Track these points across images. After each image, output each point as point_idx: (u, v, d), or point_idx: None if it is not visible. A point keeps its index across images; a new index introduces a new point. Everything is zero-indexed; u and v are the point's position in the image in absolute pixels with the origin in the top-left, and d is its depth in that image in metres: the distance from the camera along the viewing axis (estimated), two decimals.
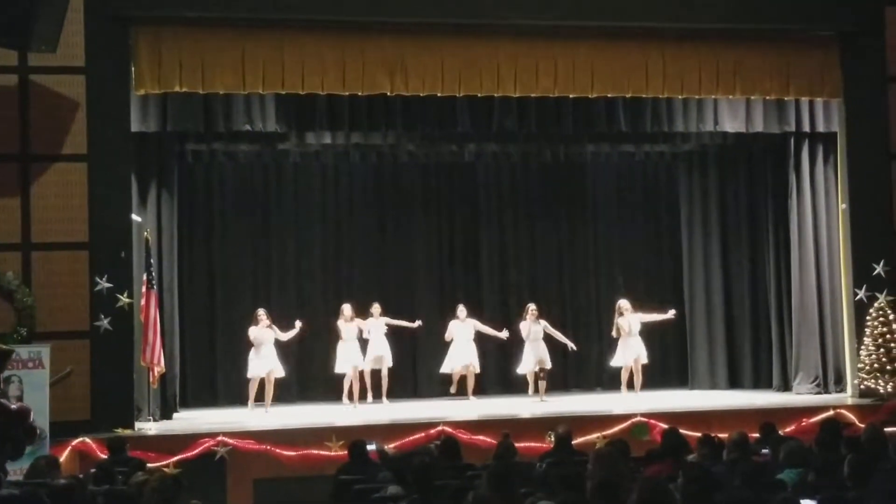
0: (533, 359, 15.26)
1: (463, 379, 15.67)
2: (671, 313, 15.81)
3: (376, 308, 15.44)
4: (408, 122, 14.91)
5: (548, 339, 15.43)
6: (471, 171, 17.61)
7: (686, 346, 17.33)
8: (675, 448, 8.46)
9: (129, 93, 13.23)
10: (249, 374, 14.75)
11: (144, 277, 13.44)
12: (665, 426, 11.30)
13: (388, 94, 13.91)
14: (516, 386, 16.00)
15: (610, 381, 16.27)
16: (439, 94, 14.04)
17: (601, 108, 15.02)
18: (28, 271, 12.80)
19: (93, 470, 9.11)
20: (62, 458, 10.70)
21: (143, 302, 13.36)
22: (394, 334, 15.72)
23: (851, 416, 13.11)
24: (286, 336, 14.87)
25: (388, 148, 16.22)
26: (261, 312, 14.79)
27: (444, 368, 15.72)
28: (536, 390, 15.37)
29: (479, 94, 14.21)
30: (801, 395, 15.25)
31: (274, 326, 14.75)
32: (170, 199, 14.61)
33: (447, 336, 15.58)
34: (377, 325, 15.37)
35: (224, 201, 16.97)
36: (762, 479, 7.19)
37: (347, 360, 15.00)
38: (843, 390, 15.13)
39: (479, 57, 13.92)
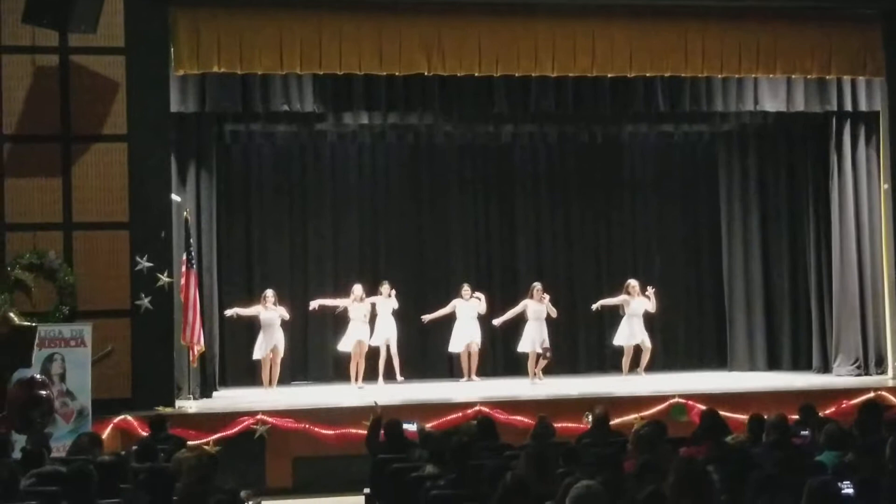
0: (538, 338, 15.15)
1: (467, 358, 15.63)
2: (650, 291, 15.51)
3: (385, 287, 15.40)
4: (445, 103, 14.89)
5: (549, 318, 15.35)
6: (507, 151, 17.56)
7: (725, 328, 17.23)
8: (713, 429, 8.44)
9: (168, 73, 13.31)
10: (257, 357, 14.76)
11: (184, 257, 13.54)
12: (703, 408, 11.30)
13: (426, 74, 13.91)
14: (551, 367, 15.95)
15: (632, 360, 16.16)
16: (476, 75, 14.02)
17: (639, 87, 14.93)
18: (69, 251, 12.91)
19: (134, 447, 9.20)
20: (104, 436, 10.81)
21: (182, 281, 13.47)
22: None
23: (892, 399, 13.02)
24: (287, 316, 14.88)
25: (424, 128, 16.22)
26: (269, 293, 14.83)
27: (452, 348, 15.70)
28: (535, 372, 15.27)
29: (516, 75, 14.18)
30: (841, 377, 15.14)
31: (280, 307, 14.80)
32: (208, 179, 14.69)
33: (449, 308, 15.53)
34: (386, 304, 15.35)
35: (262, 181, 17.03)
36: (801, 461, 7.16)
37: (353, 339, 15.02)
38: (883, 372, 15.02)
39: (516, 37, 13.87)
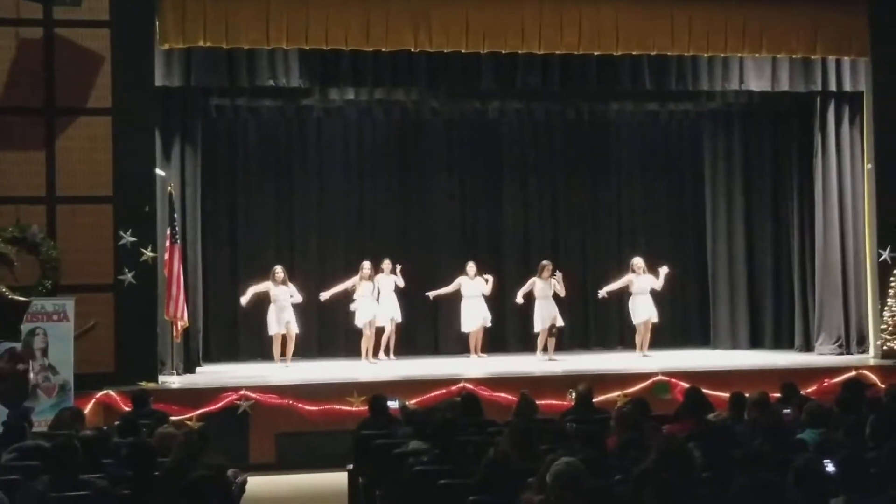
0: (547, 316, 15.23)
1: (476, 337, 15.68)
2: (664, 270, 15.63)
3: (387, 264, 15.46)
4: (431, 79, 14.83)
5: (555, 296, 15.39)
6: (494, 128, 17.54)
7: (708, 306, 17.31)
8: (696, 407, 8.48)
9: (154, 47, 13.23)
10: (271, 332, 14.85)
11: (168, 232, 13.51)
12: (686, 385, 11.35)
13: (412, 50, 13.87)
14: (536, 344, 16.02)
15: (631, 339, 16.26)
16: (463, 51, 14.00)
17: (626, 65, 14.90)
18: (53, 225, 12.86)
19: (117, 422, 9.22)
20: (86, 411, 10.84)
21: (166, 256, 13.45)
22: (414, 292, 15.74)
23: (874, 377, 13.09)
24: (299, 299, 14.95)
25: (411, 104, 16.18)
26: (278, 269, 14.86)
27: (465, 328, 15.73)
28: (545, 349, 15.34)
29: (503, 51, 14.15)
30: (823, 356, 15.22)
31: (290, 283, 14.82)
32: (193, 153, 14.64)
33: (454, 286, 15.58)
34: (387, 281, 15.39)
35: (247, 156, 16.98)
36: (783, 439, 7.21)
37: (365, 316, 15.11)
38: (865, 351, 15.11)
39: (503, 13, 13.85)
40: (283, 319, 14.74)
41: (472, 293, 15.55)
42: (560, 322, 15.28)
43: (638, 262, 15.59)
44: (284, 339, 14.84)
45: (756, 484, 5.00)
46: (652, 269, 15.56)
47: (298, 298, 14.94)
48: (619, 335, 17.26)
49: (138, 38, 13.08)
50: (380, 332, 15.32)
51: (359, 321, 15.14)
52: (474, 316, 15.55)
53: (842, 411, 8.24)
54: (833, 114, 15.59)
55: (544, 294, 15.27)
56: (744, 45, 14.34)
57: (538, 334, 15.41)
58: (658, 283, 15.48)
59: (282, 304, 14.74)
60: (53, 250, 12.67)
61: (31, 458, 7.25)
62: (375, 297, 15.21)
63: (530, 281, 15.40)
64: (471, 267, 15.66)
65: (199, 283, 14.82)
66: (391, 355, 15.42)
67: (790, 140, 16.51)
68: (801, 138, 16.23)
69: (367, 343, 15.13)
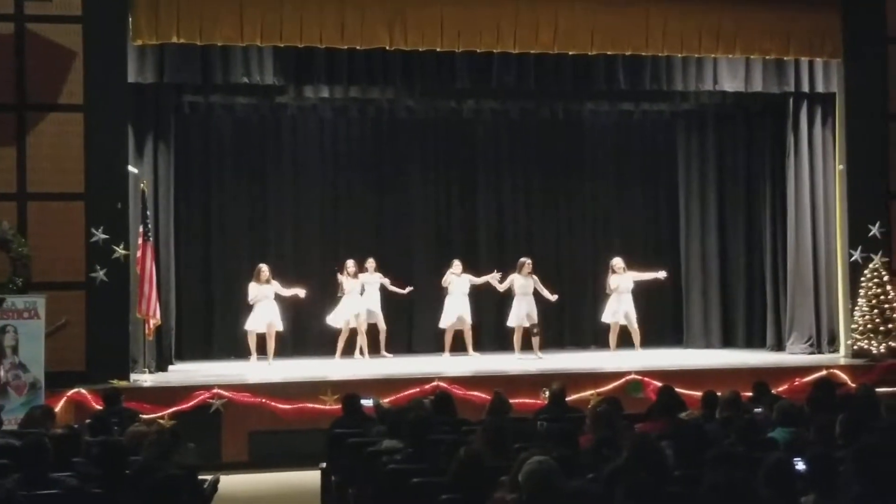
0: (524, 314, 15.25)
1: (459, 334, 15.68)
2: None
3: (371, 263, 15.47)
4: (406, 78, 14.82)
5: (536, 294, 15.42)
6: (469, 127, 17.54)
7: (681, 305, 17.39)
8: (669, 406, 8.51)
9: (127, 43, 13.16)
10: (247, 327, 14.80)
11: (140, 229, 13.42)
12: (659, 384, 11.39)
13: (387, 48, 13.86)
14: (512, 342, 16.02)
15: (605, 338, 16.29)
16: (438, 50, 14.00)
17: (600, 65, 14.94)
18: (24, 221, 12.78)
19: (88, 420, 9.17)
20: (57, 409, 10.75)
21: (139, 254, 13.35)
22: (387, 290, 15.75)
23: (844, 377, 13.18)
24: (288, 292, 14.94)
25: (386, 103, 16.16)
26: (263, 268, 14.80)
27: (442, 324, 15.74)
28: (525, 347, 15.30)
29: (478, 50, 14.16)
30: (794, 355, 15.32)
31: (274, 281, 14.78)
32: (166, 150, 14.56)
33: (443, 282, 15.59)
34: (372, 280, 15.39)
35: (221, 154, 16.91)
36: (754, 437, 7.24)
37: (346, 314, 15.14)
38: (836, 351, 15.21)
39: (478, 12, 13.86)
40: (265, 318, 14.68)
41: (458, 290, 15.55)
42: (535, 318, 15.26)
43: (617, 262, 15.62)
44: (264, 337, 14.77)
45: (727, 483, 5.01)
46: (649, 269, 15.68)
47: (287, 292, 14.88)
48: (593, 334, 17.29)
49: (111, 34, 13.02)
50: (373, 329, 15.38)
51: (336, 320, 15.10)
52: (452, 314, 15.55)
53: (813, 410, 8.29)
54: (806, 115, 15.68)
55: (524, 290, 15.28)
56: (717, 45, 14.42)
57: (512, 330, 15.40)
58: (639, 276, 15.59)
59: (265, 302, 14.69)
60: (24, 247, 12.57)
61: (1, 456, 7.19)
62: (360, 295, 15.22)
63: (509, 278, 15.39)
64: (457, 265, 15.67)
65: (171, 281, 14.74)
66: (365, 355, 15.37)
67: (763, 141, 16.60)
68: (773, 139, 16.33)
69: (342, 342, 15.12)
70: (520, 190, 17.83)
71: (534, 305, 15.30)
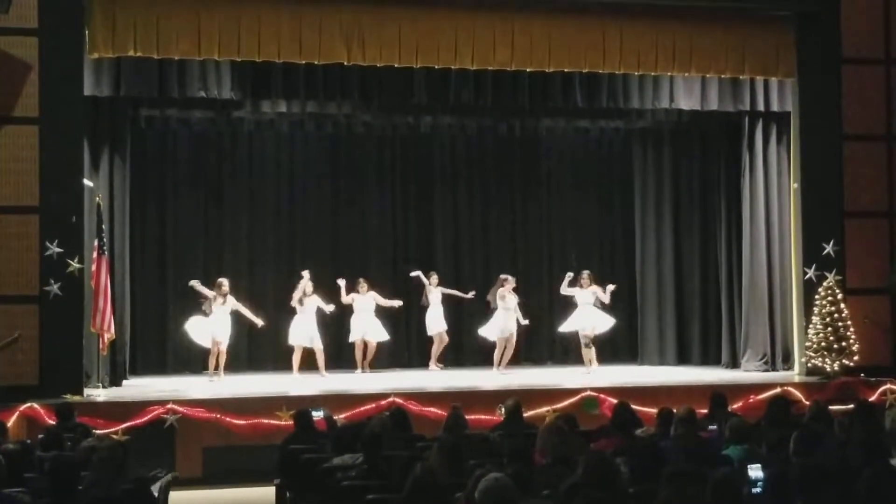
0: (506, 328, 15.38)
1: (363, 350, 15.73)
2: (609, 287, 15.70)
3: (363, 285, 15.62)
4: (364, 93, 14.84)
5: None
6: (426, 142, 17.58)
7: (637, 322, 17.46)
8: (625, 423, 8.54)
9: (83, 56, 13.08)
10: (205, 344, 14.69)
11: (95, 243, 13.30)
12: (615, 400, 11.41)
13: (345, 63, 13.87)
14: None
15: (562, 355, 16.35)
16: (396, 65, 14.01)
17: (557, 82, 15.03)
18: None
19: (40, 436, 9.06)
20: (9, 424, 10.62)
21: (93, 268, 13.24)
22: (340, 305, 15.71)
23: (798, 394, 13.28)
24: (247, 313, 14.84)
25: (343, 118, 16.13)
26: (224, 282, 14.68)
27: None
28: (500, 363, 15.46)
29: (436, 66, 14.20)
30: (749, 373, 15.41)
31: (231, 297, 14.67)
32: (122, 164, 14.46)
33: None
34: (365, 299, 15.56)
35: (177, 168, 16.83)
36: (707, 454, 7.28)
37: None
38: (790, 368, 15.32)
39: (436, 28, 13.90)
40: (218, 332, 14.55)
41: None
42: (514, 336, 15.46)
43: (582, 274, 15.66)
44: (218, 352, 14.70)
45: (680, 499, 5.04)
46: (599, 285, 15.67)
47: (239, 307, 14.77)
48: (549, 351, 17.34)
49: (67, 47, 12.93)
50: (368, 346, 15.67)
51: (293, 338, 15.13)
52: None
53: (769, 427, 8.34)
54: (761, 133, 15.83)
55: (507, 306, 15.39)
56: (673, 64, 14.53)
57: (493, 341, 15.54)
58: (606, 297, 15.54)
59: (219, 316, 14.57)
60: None
61: None
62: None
63: (500, 291, 15.41)
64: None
65: (126, 295, 14.62)
66: (366, 369, 15.57)
67: (719, 159, 16.74)
68: (729, 157, 16.46)
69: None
70: (476, 205, 17.89)
71: (514, 322, 15.40)
